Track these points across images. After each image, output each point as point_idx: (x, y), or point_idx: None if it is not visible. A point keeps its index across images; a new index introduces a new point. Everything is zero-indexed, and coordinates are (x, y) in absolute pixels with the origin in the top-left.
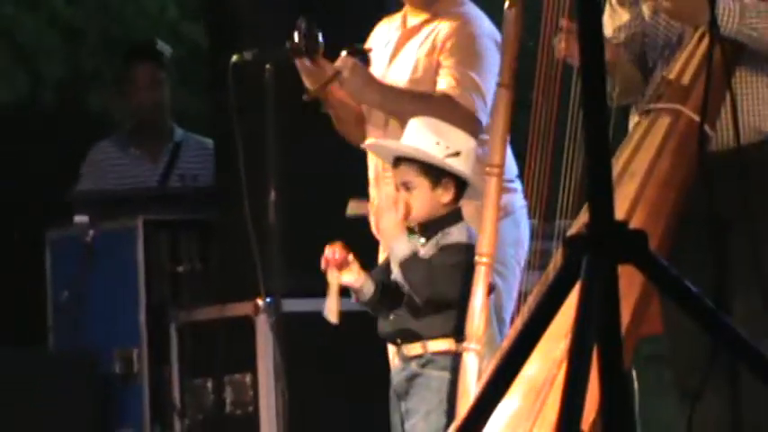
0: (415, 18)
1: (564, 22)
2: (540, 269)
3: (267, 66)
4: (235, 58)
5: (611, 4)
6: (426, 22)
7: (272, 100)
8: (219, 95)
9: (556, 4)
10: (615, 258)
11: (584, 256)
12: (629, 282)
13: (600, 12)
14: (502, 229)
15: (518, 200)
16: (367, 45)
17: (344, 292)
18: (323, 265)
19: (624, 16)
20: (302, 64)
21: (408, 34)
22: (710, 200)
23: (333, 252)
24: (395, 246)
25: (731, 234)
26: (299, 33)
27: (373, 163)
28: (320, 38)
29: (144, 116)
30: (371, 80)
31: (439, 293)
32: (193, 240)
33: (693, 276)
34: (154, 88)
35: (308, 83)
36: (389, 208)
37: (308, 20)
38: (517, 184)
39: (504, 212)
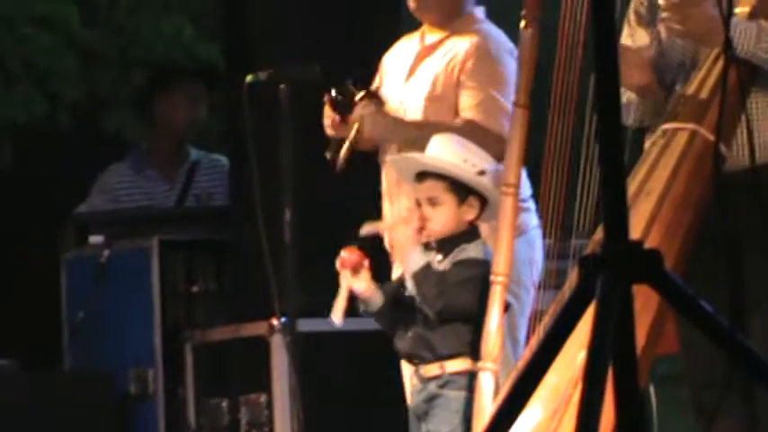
0: (432, 36)
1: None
2: (554, 289)
3: (282, 86)
4: (249, 78)
5: (629, 25)
6: (444, 39)
7: (287, 120)
8: (235, 115)
9: (571, 24)
10: (630, 278)
11: (600, 275)
12: (645, 301)
13: (614, 30)
14: (516, 248)
15: (532, 219)
16: (375, 84)
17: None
18: (338, 266)
19: (645, 37)
20: (331, 116)
21: (426, 51)
22: (725, 218)
23: (349, 254)
24: (408, 258)
25: (747, 252)
26: (340, 90)
27: (387, 177)
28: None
29: (181, 132)
30: (393, 123)
31: (451, 306)
32: (208, 260)
33: (709, 295)
34: (201, 105)
35: (329, 131)
36: (404, 221)
37: (353, 81)
38: (531, 204)
39: (518, 232)
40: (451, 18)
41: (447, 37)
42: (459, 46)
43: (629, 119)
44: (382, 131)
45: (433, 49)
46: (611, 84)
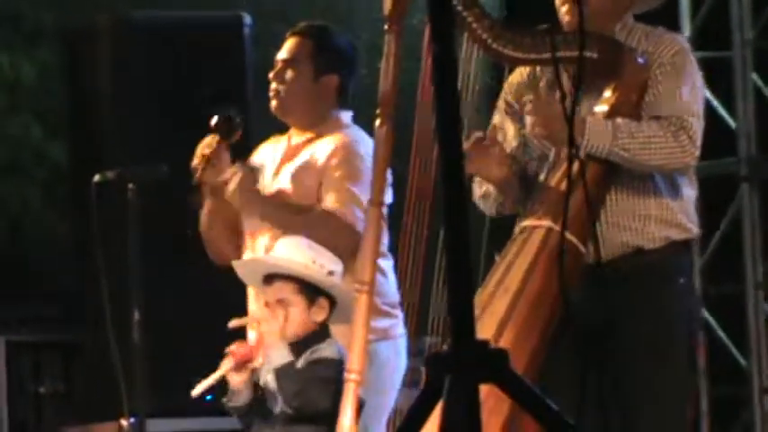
0: (299, 137)
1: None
2: (411, 387)
3: (130, 185)
4: (97, 177)
5: (499, 112)
6: (310, 140)
7: (136, 218)
8: (83, 214)
9: (428, 122)
10: (476, 378)
11: (447, 375)
12: (497, 402)
13: (460, 131)
14: (381, 351)
15: (399, 327)
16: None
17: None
18: (227, 349)
19: (510, 127)
20: (211, 147)
21: (292, 152)
22: (569, 314)
23: (242, 348)
24: (273, 352)
25: (610, 344)
26: (223, 117)
27: None
28: (239, 125)
29: None
30: (256, 193)
31: (310, 405)
32: (57, 361)
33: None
34: None
35: (200, 170)
36: (270, 315)
37: (235, 111)
38: (399, 312)
39: (384, 335)
40: (316, 121)
41: (312, 139)
42: (324, 146)
43: (489, 210)
44: (244, 198)
45: (297, 150)
46: (456, 184)
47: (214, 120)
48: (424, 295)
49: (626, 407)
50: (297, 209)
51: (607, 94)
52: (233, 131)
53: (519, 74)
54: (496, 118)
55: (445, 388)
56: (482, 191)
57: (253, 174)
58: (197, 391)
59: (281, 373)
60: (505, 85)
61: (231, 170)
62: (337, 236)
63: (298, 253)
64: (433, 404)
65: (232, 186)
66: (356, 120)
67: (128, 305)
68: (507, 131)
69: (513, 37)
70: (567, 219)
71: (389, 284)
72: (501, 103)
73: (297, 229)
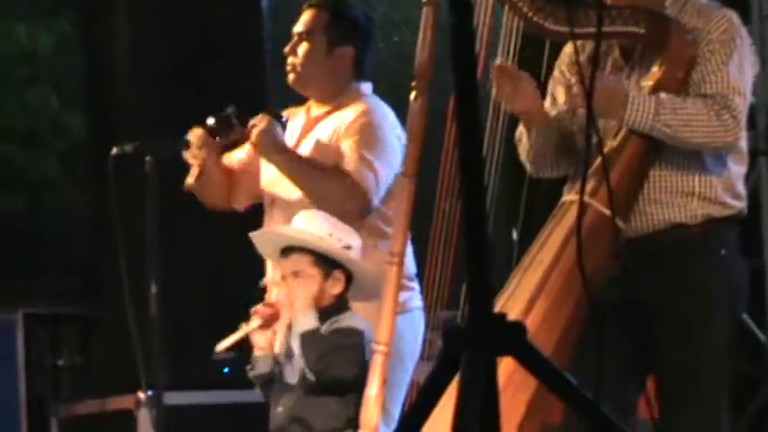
0: (318, 109)
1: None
2: (429, 359)
3: (148, 158)
4: (115, 150)
5: (553, 80)
6: (329, 112)
7: (153, 192)
8: (100, 187)
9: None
10: (494, 351)
11: (463, 349)
12: (526, 374)
13: (478, 119)
14: (399, 324)
15: (415, 299)
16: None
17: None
18: (252, 309)
19: (561, 96)
20: (205, 146)
21: (312, 124)
22: (586, 286)
23: (267, 308)
24: (301, 318)
25: (651, 319)
26: (219, 117)
27: None
28: (234, 123)
29: None
30: (279, 143)
31: (329, 371)
32: (74, 333)
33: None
34: None
35: (193, 169)
36: (305, 282)
37: (233, 109)
38: (416, 284)
39: (402, 309)
40: (334, 93)
41: (331, 111)
42: (344, 117)
43: (525, 158)
44: (268, 145)
45: (317, 121)
46: (474, 156)
47: (210, 121)
48: (456, 269)
49: (661, 386)
50: (315, 163)
51: (654, 69)
52: (228, 131)
53: (572, 44)
54: (551, 85)
55: (462, 362)
56: (517, 133)
57: (278, 125)
58: (221, 346)
59: (307, 337)
60: (561, 55)
61: (258, 117)
62: (348, 196)
63: (315, 225)
64: (449, 378)
65: (256, 131)
66: (374, 92)
67: (145, 278)
68: (558, 98)
69: (554, 10)
70: (583, 191)
71: (407, 257)
72: (556, 72)
73: (311, 181)
